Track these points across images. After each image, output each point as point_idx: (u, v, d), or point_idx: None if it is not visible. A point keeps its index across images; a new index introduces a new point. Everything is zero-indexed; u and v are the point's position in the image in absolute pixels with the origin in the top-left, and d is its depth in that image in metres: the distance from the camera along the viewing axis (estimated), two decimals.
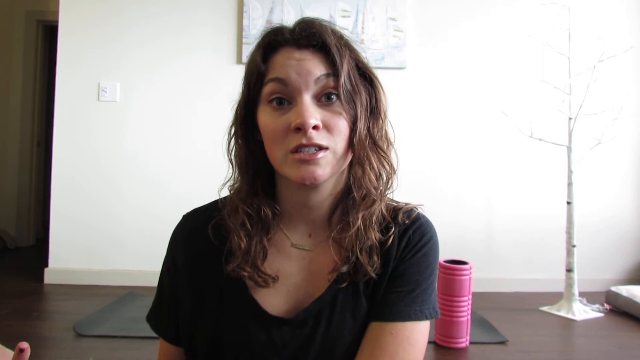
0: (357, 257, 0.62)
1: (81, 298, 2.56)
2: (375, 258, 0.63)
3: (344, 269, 0.62)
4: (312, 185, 0.61)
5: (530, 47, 2.85)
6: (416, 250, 0.65)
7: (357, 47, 0.65)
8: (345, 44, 0.62)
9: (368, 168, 0.63)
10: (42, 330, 2.14)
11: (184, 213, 0.72)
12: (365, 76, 0.64)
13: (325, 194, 0.65)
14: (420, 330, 0.62)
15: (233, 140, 0.66)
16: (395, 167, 0.66)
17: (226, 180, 0.68)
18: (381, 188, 0.65)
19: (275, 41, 0.62)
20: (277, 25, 0.64)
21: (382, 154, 0.64)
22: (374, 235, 0.63)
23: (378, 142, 0.64)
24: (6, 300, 2.46)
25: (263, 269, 0.63)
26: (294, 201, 0.66)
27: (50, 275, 2.83)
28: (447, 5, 2.97)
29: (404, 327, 0.61)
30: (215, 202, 0.70)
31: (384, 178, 0.65)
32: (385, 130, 0.66)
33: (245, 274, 0.62)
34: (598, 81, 2.56)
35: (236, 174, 0.67)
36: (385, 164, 0.65)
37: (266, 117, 0.61)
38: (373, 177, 0.63)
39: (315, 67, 0.59)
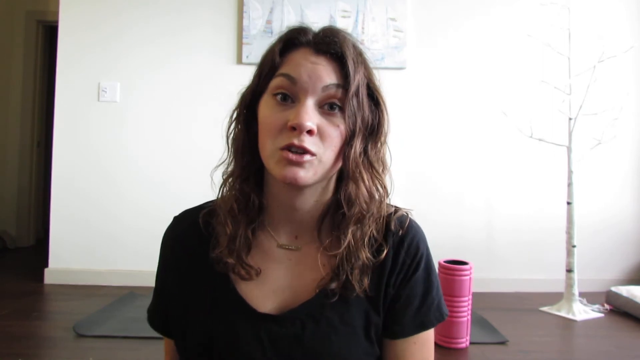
0: (346, 276, 0.62)
1: (81, 298, 2.56)
2: (365, 280, 0.63)
3: (333, 285, 0.62)
4: (293, 186, 0.61)
5: (530, 47, 2.85)
6: (416, 265, 0.66)
7: (373, 68, 0.65)
8: (362, 62, 0.63)
9: (362, 186, 0.63)
10: (42, 330, 2.14)
11: (175, 215, 0.73)
12: (373, 97, 0.65)
13: (310, 199, 0.65)
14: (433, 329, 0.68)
15: (234, 124, 0.67)
16: (389, 192, 0.66)
17: (220, 162, 0.68)
18: (372, 210, 0.64)
19: (297, 39, 0.63)
20: (304, 25, 0.65)
21: (377, 175, 0.64)
22: (365, 255, 0.63)
23: (374, 164, 0.64)
24: (6, 300, 2.46)
25: (247, 261, 0.64)
26: (280, 200, 0.66)
27: (50, 276, 2.83)
28: (447, 6, 2.97)
29: (426, 333, 0.67)
30: (207, 202, 0.71)
31: (377, 200, 0.65)
32: (383, 153, 0.66)
33: (229, 261, 0.63)
34: (598, 81, 2.56)
35: (231, 158, 0.68)
36: (379, 186, 0.65)
37: (267, 109, 0.61)
38: (366, 196, 0.63)
39: (326, 75, 0.60)
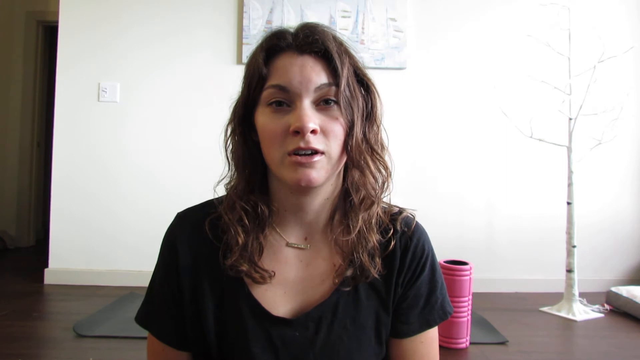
0: (360, 261, 0.64)
1: (81, 298, 2.56)
2: (377, 260, 0.65)
3: (349, 272, 0.64)
4: (306, 188, 0.61)
5: (530, 47, 2.85)
6: (422, 266, 0.68)
7: (355, 53, 0.66)
8: (345, 51, 0.63)
9: (366, 171, 0.64)
10: (42, 331, 2.14)
11: (178, 212, 0.72)
12: (362, 82, 0.65)
13: (320, 199, 0.66)
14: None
15: (230, 138, 0.67)
16: (391, 170, 0.67)
17: (222, 177, 0.69)
18: (378, 191, 0.66)
19: (277, 45, 0.63)
20: (280, 28, 0.65)
21: (378, 157, 0.66)
22: (374, 238, 0.65)
23: (374, 147, 0.65)
24: (6, 300, 2.46)
25: (260, 265, 0.64)
26: (288, 204, 0.66)
27: (50, 276, 2.83)
28: (447, 6, 2.97)
29: (431, 331, 0.69)
30: (210, 200, 0.71)
31: (380, 181, 0.67)
32: (380, 134, 0.67)
33: (243, 268, 0.63)
34: (598, 81, 2.55)
35: (233, 171, 0.68)
36: (381, 167, 0.66)
37: (265, 119, 0.61)
38: (372, 180, 0.65)
39: (316, 76, 0.60)
